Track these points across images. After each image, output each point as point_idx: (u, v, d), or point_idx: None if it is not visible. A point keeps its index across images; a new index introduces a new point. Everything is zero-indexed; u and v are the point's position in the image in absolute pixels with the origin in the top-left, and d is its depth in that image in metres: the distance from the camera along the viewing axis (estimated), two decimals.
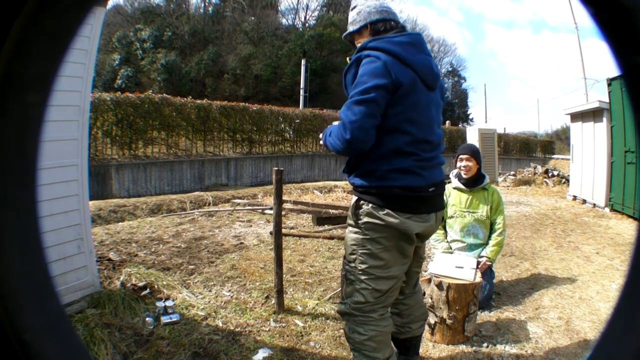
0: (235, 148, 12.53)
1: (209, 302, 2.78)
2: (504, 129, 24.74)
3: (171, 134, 11.05)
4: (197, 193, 8.63)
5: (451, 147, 16.25)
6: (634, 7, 0.30)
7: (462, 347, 2.32)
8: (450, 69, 38.54)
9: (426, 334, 2.39)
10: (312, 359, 2.15)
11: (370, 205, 1.51)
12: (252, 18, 28.94)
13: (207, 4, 30.69)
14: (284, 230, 4.12)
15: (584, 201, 7.84)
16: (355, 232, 1.56)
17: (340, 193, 7.52)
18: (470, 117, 38.62)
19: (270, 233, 3.87)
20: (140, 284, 2.78)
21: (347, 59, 1.57)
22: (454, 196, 3.02)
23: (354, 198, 1.59)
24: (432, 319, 2.37)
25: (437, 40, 38.61)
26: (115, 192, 9.21)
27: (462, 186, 2.98)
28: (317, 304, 2.79)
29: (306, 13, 32.24)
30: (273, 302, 2.74)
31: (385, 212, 1.49)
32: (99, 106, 9.29)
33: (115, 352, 2.02)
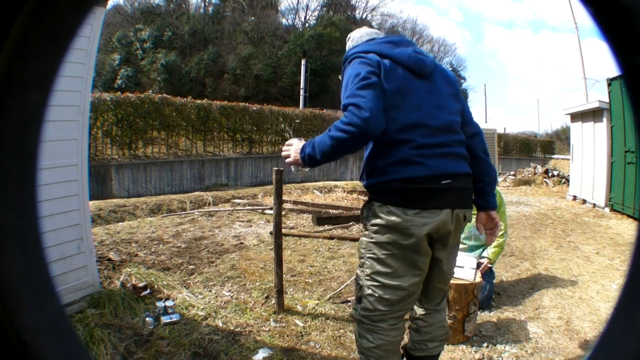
0: (235, 148, 12.53)
1: (209, 302, 2.78)
2: (504, 129, 24.79)
3: (171, 134, 11.05)
4: (197, 193, 8.63)
5: None
6: (634, 7, 0.30)
7: (462, 347, 2.32)
8: (450, 69, 38.53)
9: None
10: (312, 359, 2.15)
11: (376, 204, 1.46)
12: (252, 18, 28.93)
13: (207, 4, 30.70)
14: (284, 230, 4.12)
15: (584, 201, 7.84)
16: (365, 236, 1.52)
17: (340, 193, 7.52)
18: None
19: (270, 233, 3.87)
20: (140, 284, 2.78)
21: (339, 77, 1.60)
22: None
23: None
24: None
25: (437, 40, 38.62)
26: (115, 192, 9.21)
27: None
28: (317, 304, 2.79)
29: (306, 13, 32.26)
30: (273, 302, 2.74)
31: (387, 209, 1.41)
32: (99, 106, 9.29)
33: (115, 352, 2.02)
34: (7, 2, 0.30)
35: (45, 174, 2.23)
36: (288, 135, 13.91)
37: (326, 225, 5.21)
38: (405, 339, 1.80)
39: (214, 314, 2.58)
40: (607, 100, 6.88)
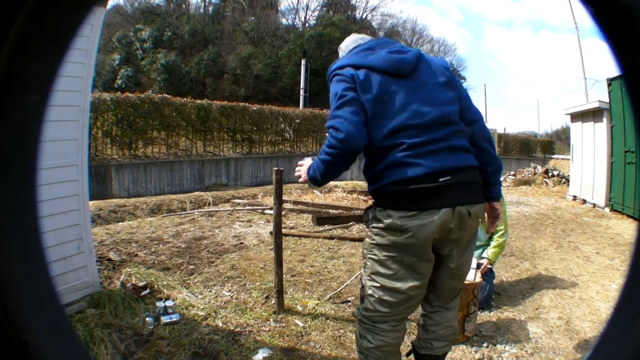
0: (235, 148, 12.53)
1: (209, 302, 2.78)
2: (504, 129, 24.77)
3: (171, 134, 11.05)
4: (197, 193, 8.63)
5: None
6: (634, 7, 0.30)
7: (462, 347, 2.32)
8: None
9: None
10: (312, 359, 2.15)
11: (377, 208, 1.48)
12: (252, 18, 28.93)
13: (207, 4, 30.70)
14: (284, 230, 4.12)
15: (584, 201, 7.84)
16: (367, 237, 1.55)
17: (340, 193, 7.52)
18: None
19: (270, 233, 3.87)
20: (140, 284, 2.78)
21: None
22: None
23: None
24: None
25: (437, 40, 38.61)
26: (115, 192, 9.21)
27: None
28: (317, 304, 2.79)
29: (306, 13, 32.25)
30: (273, 302, 2.74)
31: (387, 213, 1.42)
32: (99, 106, 9.29)
33: (115, 352, 2.03)
34: (7, 2, 0.30)
35: (45, 174, 2.23)
36: (288, 135, 13.91)
37: (326, 225, 5.21)
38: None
39: (214, 314, 2.58)
40: (607, 100, 6.88)
